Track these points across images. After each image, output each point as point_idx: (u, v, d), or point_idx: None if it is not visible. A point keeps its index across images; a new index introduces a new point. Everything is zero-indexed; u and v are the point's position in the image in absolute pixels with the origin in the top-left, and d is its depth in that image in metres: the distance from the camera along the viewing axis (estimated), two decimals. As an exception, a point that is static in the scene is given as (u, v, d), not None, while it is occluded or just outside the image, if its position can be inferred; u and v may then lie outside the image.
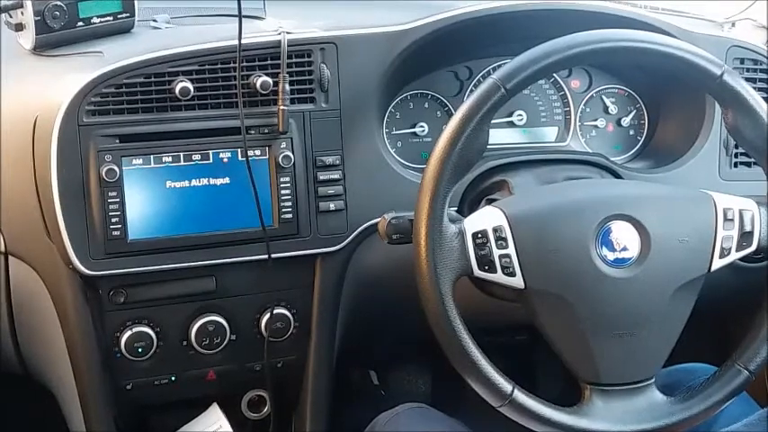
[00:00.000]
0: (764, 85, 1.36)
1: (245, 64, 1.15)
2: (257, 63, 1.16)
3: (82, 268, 1.11)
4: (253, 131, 1.16)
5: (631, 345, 1.04)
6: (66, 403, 1.28)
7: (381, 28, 1.24)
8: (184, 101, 1.14)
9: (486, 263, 1.02)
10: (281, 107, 1.15)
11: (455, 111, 1.02)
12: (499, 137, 1.39)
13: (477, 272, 1.02)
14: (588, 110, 1.43)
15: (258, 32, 1.18)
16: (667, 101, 1.42)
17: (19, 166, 1.14)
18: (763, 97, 1.07)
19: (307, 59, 1.19)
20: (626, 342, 1.04)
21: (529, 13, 1.26)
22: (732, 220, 1.06)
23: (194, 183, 1.14)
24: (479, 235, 1.02)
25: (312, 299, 1.25)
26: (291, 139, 1.18)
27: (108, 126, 1.11)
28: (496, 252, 1.02)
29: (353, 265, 1.26)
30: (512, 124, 1.41)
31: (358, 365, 1.77)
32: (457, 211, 1.22)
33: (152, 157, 1.12)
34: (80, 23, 1.20)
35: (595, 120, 1.43)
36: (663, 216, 1.06)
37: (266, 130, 1.17)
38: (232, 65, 1.15)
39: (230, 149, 1.15)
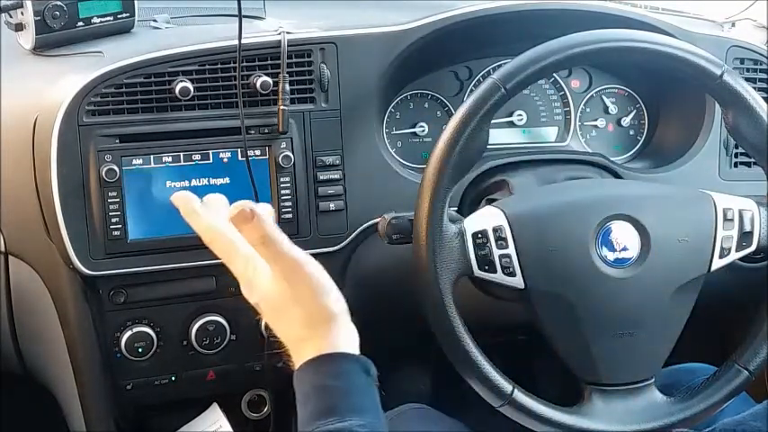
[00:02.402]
0: (764, 85, 1.36)
1: (245, 64, 1.15)
2: (257, 63, 1.16)
3: (82, 268, 1.11)
4: (253, 131, 1.16)
5: (631, 345, 1.04)
6: (67, 403, 1.28)
7: (381, 28, 1.24)
8: (184, 101, 1.14)
9: (486, 263, 1.02)
10: (281, 107, 1.15)
11: (455, 111, 1.02)
12: (499, 137, 1.39)
13: (477, 272, 1.02)
14: (588, 110, 1.43)
15: (258, 32, 1.18)
16: (667, 101, 1.42)
17: (19, 166, 1.14)
18: (763, 97, 1.07)
19: (307, 59, 1.19)
20: (626, 342, 1.04)
21: (528, 14, 1.26)
22: (732, 220, 1.07)
23: (194, 183, 1.14)
24: (479, 235, 1.02)
25: (312, 299, 1.25)
26: (291, 139, 1.18)
27: (108, 126, 1.11)
28: (496, 252, 1.02)
29: (353, 265, 1.26)
30: (512, 124, 1.40)
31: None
32: (457, 211, 1.22)
33: (152, 157, 1.12)
34: (80, 23, 1.21)
35: (595, 120, 1.43)
36: (663, 216, 1.06)
37: (266, 130, 1.17)
38: (232, 65, 1.15)
39: (230, 149, 1.15)
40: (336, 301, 0.80)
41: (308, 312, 0.79)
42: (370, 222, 1.21)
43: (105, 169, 1.09)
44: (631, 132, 1.45)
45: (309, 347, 0.78)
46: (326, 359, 0.77)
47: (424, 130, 1.36)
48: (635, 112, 1.44)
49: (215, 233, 0.82)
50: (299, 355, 0.79)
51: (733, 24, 1.55)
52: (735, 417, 1.01)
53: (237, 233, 0.81)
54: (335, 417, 0.73)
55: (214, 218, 0.82)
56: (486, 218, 1.04)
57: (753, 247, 1.08)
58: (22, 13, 1.19)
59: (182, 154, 1.13)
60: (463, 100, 1.25)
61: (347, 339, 0.80)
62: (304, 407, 0.77)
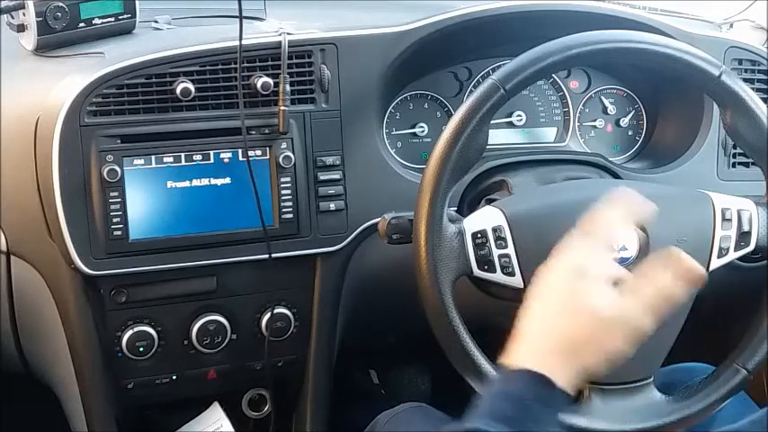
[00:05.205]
0: (763, 86, 1.37)
1: (245, 65, 1.15)
2: (258, 64, 1.17)
3: (84, 268, 1.11)
4: (253, 132, 1.16)
5: (630, 344, 1.05)
6: (68, 402, 1.28)
7: (381, 29, 1.24)
8: (185, 101, 1.14)
9: (485, 263, 1.02)
10: (282, 107, 1.16)
11: (455, 111, 1.03)
12: (499, 137, 1.40)
13: (477, 272, 1.03)
14: (587, 110, 1.43)
15: (259, 33, 1.18)
16: (666, 101, 1.42)
17: (21, 166, 1.14)
18: (762, 98, 1.08)
19: (307, 60, 1.20)
20: (625, 341, 1.05)
21: (528, 14, 1.27)
22: (730, 220, 1.07)
23: (195, 183, 1.15)
24: (479, 235, 1.03)
25: (312, 298, 1.26)
26: (292, 139, 1.18)
27: (109, 126, 1.11)
28: (496, 252, 1.02)
29: (353, 265, 1.26)
30: (511, 125, 1.41)
31: (358, 365, 1.77)
32: (456, 211, 1.22)
33: (153, 157, 1.13)
34: (82, 24, 1.21)
35: (594, 120, 1.44)
36: (661, 216, 1.06)
37: (267, 131, 1.17)
38: (233, 65, 1.15)
39: (231, 150, 1.16)
40: (606, 366, 0.80)
41: (588, 352, 0.78)
42: (370, 222, 1.22)
43: (107, 169, 1.10)
44: (630, 133, 1.45)
45: (547, 359, 0.77)
46: (546, 384, 0.76)
47: (423, 131, 1.37)
48: (634, 112, 1.45)
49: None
50: (531, 353, 0.78)
51: (731, 25, 1.56)
52: (733, 425, 1.01)
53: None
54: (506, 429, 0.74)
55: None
56: (486, 218, 1.04)
57: (751, 247, 1.08)
58: (23, 14, 1.19)
59: (183, 154, 1.14)
60: (463, 100, 1.26)
61: (576, 385, 0.79)
62: (496, 398, 0.77)
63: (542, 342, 0.79)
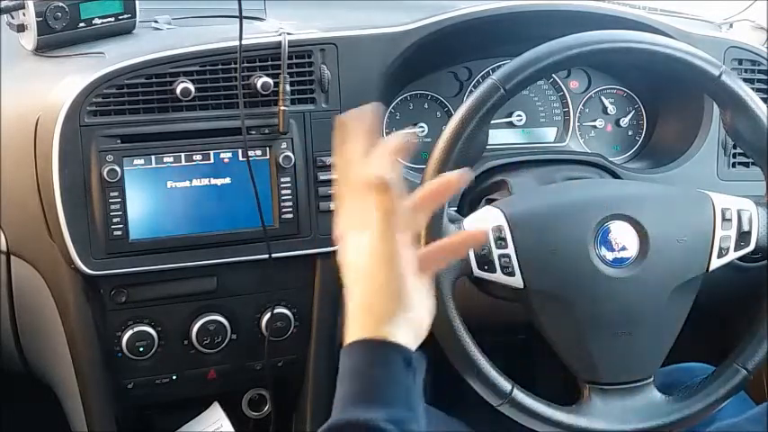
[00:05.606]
0: (763, 86, 1.37)
1: (245, 65, 1.15)
2: (258, 64, 1.17)
3: (84, 268, 1.12)
4: (253, 132, 1.17)
5: (630, 344, 1.05)
6: (68, 402, 1.28)
7: (382, 29, 1.24)
8: (185, 101, 1.14)
9: (485, 263, 1.02)
10: (282, 108, 1.16)
11: (455, 111, 1.03)
12: (499, 137, 1.40)
13: (477, 272, 1.03)
14: (587, 110, 1.43)
15: (259, 33, 1.18)
16: (666, 101, 1.42)
17: (20, 166, 1.14)
18: (762, 98, 1.08)
19: (307, 60, 1.20)
20: (624, 341, 1.05)
21: (528, 14, 1.27)
22: (730, 220, 1.07)
23: (195, 183, 1.15)
24: (479, 235, 1.03)
25: (312, 298, 1.26)
26: (292, 139, 1.18)
27: (109, 126, 1.11)
28: (496, 252, 1.02)
29: (354, 265, 1.26)
30: (511, 125, 1.41)
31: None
32: (456, 211, 1.23)
33: (153, 157, 1.13)
34: (82, 24, 1.21)
35: (594, 120, 1.44)
36: (661, 216, 1.06)
37: (267, 131, 1.17)
38: (233, 65, 1.15)
39: (231, 150, 1.16)
40: (406, 305, 0.78)
41: (379, 296, 0.78)
42: (370, 222, 1.22)
43: (107, 169, 1.10)
44: (630, 133, 1.45)
45: (362, 326, 0.77)
46: (369, 345, 0.77)
47: (423, 131, 1.37)
48: (633, 112, 1.45)
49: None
50: (351, 330, 0.78)
51: (731, 25, 1.56)
52: (730, 420, 1.01)
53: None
54: (363, 404, 0.74)
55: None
56: (486, 218, 1.04)
57: (751, 247, 1.08)
58: (23, 14, 1.19)
59: (183, 154, 1.14)
60: (463, 100, 1.26)
61: (402, 333, 0.78)
62: (340, 385, 0.77)
63: (359, 312, 0.79)
